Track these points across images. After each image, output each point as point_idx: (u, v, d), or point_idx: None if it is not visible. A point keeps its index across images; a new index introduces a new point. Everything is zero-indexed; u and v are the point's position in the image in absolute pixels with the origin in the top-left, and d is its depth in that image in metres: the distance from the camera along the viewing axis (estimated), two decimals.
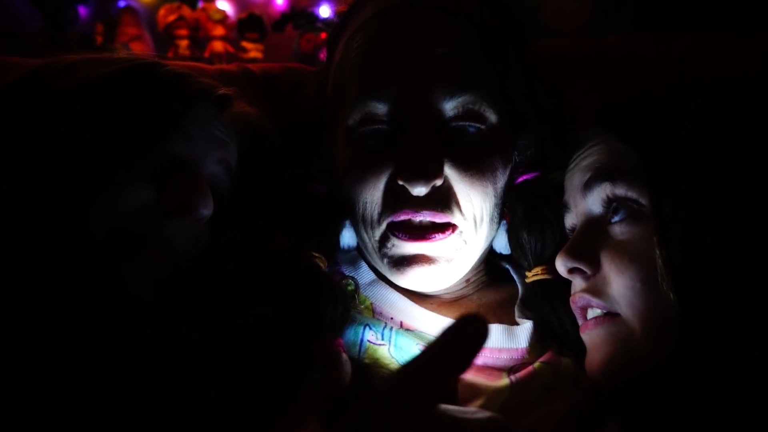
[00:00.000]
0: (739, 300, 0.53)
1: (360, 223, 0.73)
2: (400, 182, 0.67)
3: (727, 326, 0.53)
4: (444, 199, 0.68)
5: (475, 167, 0.69)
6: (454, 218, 0.69)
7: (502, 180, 0.73)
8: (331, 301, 0.70)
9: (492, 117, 0.70)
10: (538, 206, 0.75)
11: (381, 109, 0.70)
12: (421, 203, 0.67)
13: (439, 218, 0.68)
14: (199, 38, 2.70)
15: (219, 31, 2.70)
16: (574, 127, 0.73)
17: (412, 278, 0.70)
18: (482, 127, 0.70)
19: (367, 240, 0.74)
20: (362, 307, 0.74)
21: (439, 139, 0.68)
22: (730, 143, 0.57)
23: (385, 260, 0.72)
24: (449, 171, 0.68)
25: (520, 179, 0.77)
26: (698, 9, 1.99)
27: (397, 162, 0.67)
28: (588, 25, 2.42)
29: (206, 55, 2.69)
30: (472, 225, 0.71)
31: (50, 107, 0.60)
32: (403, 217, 0.68)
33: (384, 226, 0.70)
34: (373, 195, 0.70)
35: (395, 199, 0.68)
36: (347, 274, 0.76)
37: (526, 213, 0.76)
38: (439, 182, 0.67)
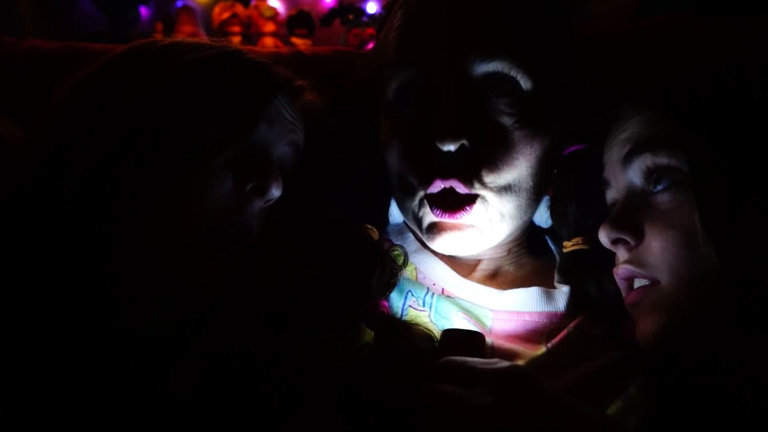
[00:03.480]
0: None
1: (399, 194, 0.76)
2: (435, 142, 0.67)
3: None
4: (472, 168, 0.68)
5: (505, 134, 0.69)
6: (480, 189, 0.69)
7: (537, 150, 0.71)
8: (380, 266, 0.73)
9: (527, 84, 0.69)
10: (586, 177, 0.75)
11: (413, 75, 0.71)
12: (451, 172, 0.68)
13: (464, 189, 0.68)
14: (251, 35, 2.80)
15: (270, 27, 2.79)
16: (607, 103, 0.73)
17: (442, 243, 0.72)
18: (516, 94, 0.69)
19: (406, 209, 0.76)
20: (407, 271, 0.77)
21: (472, 103, 0.68)
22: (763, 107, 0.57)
23: (421, 227, 0.75)
24: (480, 136, 0.68)
25: (569, 150, 0.77)
26: None
27: (430, 125, 0.68)
28: (637, 13, 2.37)
29: None
30: (498, 194, 0.70)
31: (147, 90, 0.63)
32: (434, 189, 0.69)
33: (420, 196, 0.72)
34: (409, 165, 0.72)
35: (429, 167, 0.69)
36: (395, 243, 0.79)
37: (574, 183, 0.76)
38: (468, 143, 0.67)
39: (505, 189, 0.70)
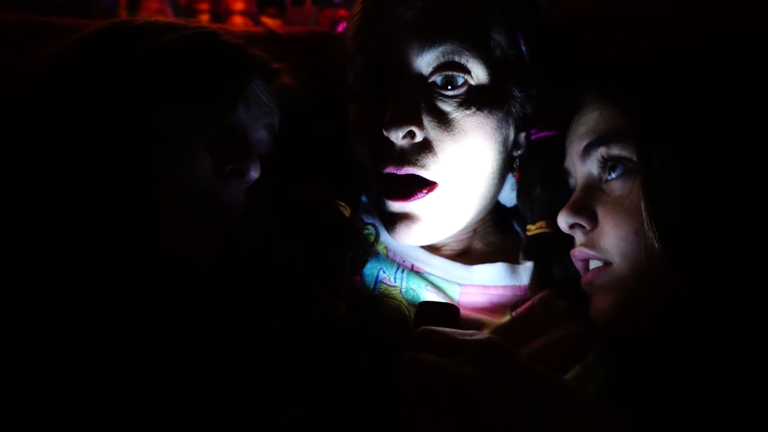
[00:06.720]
0: (736, 246, 0.56)
1: (363, 179, 0.77)
2: (382, 131, 0.68)
3: (726, 269, 0.56)
4: (424, 155, 0.69)
5: (455, 121, 0.69)
6: (434, 175, 0.70)
7: (497, 135, 0.72)
8: (353, 244, 0.75)
9: (478, 68, 0.70)
10: (555, 164, 0.78)
11: (364, 64, 0.72)
12: (403, 159, 0.69)
13: (420, 173, 0.69)
14: (220, 13, 2.73)
15: (239, 5, 2.71)
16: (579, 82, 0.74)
17: (400, 234, 0.73)
18: (467, 79, 0.70)
19: (370, 197, 0.79)
20: (378, 249, 0.79)
21: (421, 91, 0.69)
22: (718, 99, 0.59)
23: (378, 216, 0.77)
24: (430, 124, 0.69)
25: (538, 135, 0.80)
26: None
27: (382, 114, 0.69)
28: None
29: None
30: (457, 182, 0.71)
31: (122, 71, 0.63)
32: (388, 171, 0.70)
33: (376, 182, 0.73)
34: (366, 152, 0.73)
35: (382, 154, 0.70)
36: (367, 222, 0.81)
37: (543, 169, 0.79)
38: (416, 130, 0.67)
39: (463, 175, 0.71)
